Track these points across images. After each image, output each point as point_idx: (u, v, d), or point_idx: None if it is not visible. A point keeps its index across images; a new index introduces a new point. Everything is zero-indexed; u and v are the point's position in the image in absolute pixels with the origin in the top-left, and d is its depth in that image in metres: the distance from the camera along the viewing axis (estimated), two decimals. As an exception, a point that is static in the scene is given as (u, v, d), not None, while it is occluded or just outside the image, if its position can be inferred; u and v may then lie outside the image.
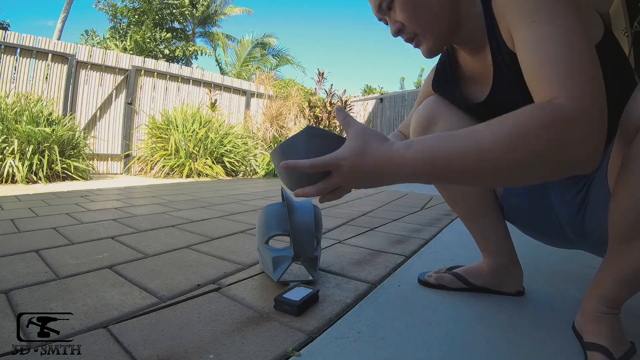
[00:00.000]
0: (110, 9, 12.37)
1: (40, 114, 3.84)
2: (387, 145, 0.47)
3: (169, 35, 12.18)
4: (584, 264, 1.01)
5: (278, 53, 13.18)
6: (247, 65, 13.05)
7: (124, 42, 11.60)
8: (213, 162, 4.73)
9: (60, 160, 3.66)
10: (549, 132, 0.39)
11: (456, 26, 0.59)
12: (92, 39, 12.33)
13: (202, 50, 13.71)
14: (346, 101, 6.33)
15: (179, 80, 5.98)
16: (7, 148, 3.36)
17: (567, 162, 0.40)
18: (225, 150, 4.95)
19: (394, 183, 0.48)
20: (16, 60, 4.40)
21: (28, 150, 3.45)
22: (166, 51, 11.91)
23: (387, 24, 0.63)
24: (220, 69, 13.54)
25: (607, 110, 0.40)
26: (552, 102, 0.40)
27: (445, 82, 0.73)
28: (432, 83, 0.77)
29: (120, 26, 12.76)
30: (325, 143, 0.50)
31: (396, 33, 0.60)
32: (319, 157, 0.48)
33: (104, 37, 12.59)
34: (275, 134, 5.86)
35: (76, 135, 4.15)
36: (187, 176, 4.48)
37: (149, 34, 11.41)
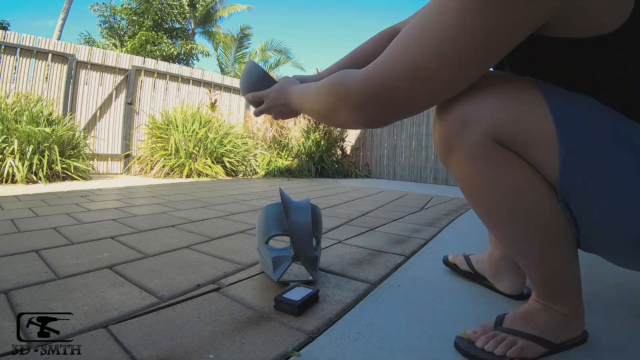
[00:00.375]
0: (108, 9, 12.38)
1: (40, 114, 3.84)
2: (291, 85, 0.72)
3: (165, 38, 12.19)
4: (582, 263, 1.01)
5: (278, 50, 13.21)
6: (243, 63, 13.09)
7: (125, 45, 11.60)
8: (213, 162, 4.72)
9: (60, 160, 3.66)
10: (332, 88, 0.52)
11: None
12: (91, 45, 12.38)
13: (202, 50, 13.71)
14: (346, 101, 6.32)
15: (179, 80, 5.98)
16: (7, 148, 3.36)
17: (335, 120, 0.54)
18: (225, 150, 4.95)
19: (290, 109, 0.74)
20: (16, 60, 4.40)
21: (28, 150, 3.44)
22: (165, 50, 11.91)
23: None
24: (222, 69, 13.54)
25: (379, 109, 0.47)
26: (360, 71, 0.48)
27: None
28: None
29: (118, 26, 12.76)
30: (265, 79, 0.80)
31: None
32: (259, 92, 0.79)
33: (101, 40, 12.64)
34: (275, 134, 5.86)
35: (76, 135, 4.14)
36: (187, 176, 4.48)
37: (149, 34, 11.41)
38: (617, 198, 0.43)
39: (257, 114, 0.82)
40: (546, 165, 0.45)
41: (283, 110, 0.75)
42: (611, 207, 0.44)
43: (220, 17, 14.78)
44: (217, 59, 13.77)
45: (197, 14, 13.89)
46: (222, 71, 13.36)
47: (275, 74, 9.06)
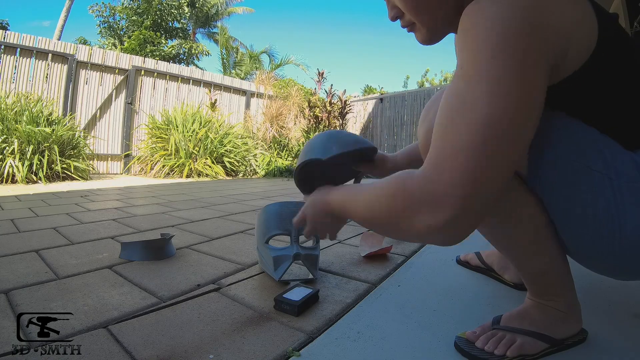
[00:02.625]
0: (107, 9, 12.37)
1: (40, 114, 3.84)
2: (329, 188, 0.62)
3: (163, 38, 12.20)
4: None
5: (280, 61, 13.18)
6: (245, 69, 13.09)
7: (124, 43, 11.60)
8: (213, 162, 4.73)
9: (60, 160, 3.66)
10: (395, 197, 0.43)
11: (455, 18, 0.55)
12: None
13: (202, 50, 13.71)
14: (346, 101, 6.33)
15: (179, 80, 5.98)
16: (7, 148, 3.36)
17: (408, 232, 0.43)
18: (225, 150, 4.95)
19: (331, 217, 0.62)
20: (16, 60, 4.41)
21: (28, 150, 3.45)
22: (164, 50, 11.91)
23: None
24: (225, 68, 13.51)
25: (476, 202, 0.38)
26: (420, 170, 0.41)
27: None
28: None
29: (118, 26, 12.76)
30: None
31: (394, 19, 0.58)
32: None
33: (100, 39, 12.65)
34: (275, 134, 5.87)
35: (76, 135, 4.15)
36: (187, 176, 4.48)
37: (147, 33, 11.41)
38: (570, 207, 0.47)
39: (307, 235, 0.71)
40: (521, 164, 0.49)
41: (324, 222, 0.65)
42: (564, 216, 0.49)
43: (220, 17, 14.80)
44: (221, 57, 13.71)
45: (198, 14, 13.89)
46: (225, 70, 13.32)
47: (276, 74, 9.06)
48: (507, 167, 0.39)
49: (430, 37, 0.56)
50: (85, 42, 12.60)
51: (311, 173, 0.76)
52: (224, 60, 12.93)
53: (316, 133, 5.70)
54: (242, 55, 13.42)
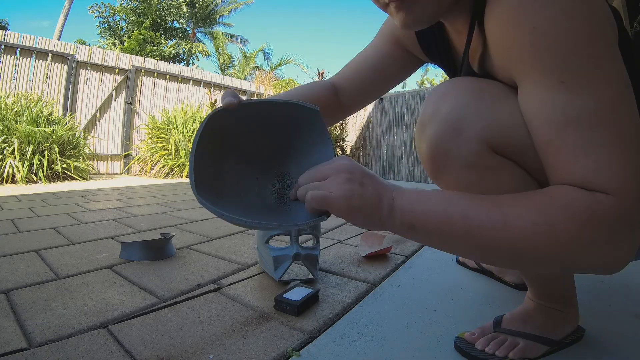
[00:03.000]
0: (107, 10, 12.37)
1: (40, 114, 3.84)
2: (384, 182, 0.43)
3: (163, 38, 12.20)
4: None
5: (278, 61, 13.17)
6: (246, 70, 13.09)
7: (124, 43, 11.60)
8: (213, 162, 4.72)
9: (60, 160, 3.66)
10: (583, 228, 0.33)
11: (448, 11, 0.45)
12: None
13: (201, 50, 13.71)
14: (346, 101, 6.33)
15: (179, 80, 5.98)
16: (7, 148, 3.36)
17: (589, 262, 0.35)
18: (225, 150, 4.94)
19: (378, 220, 0.40)
20: (16, 60, 4.40)
21: (28, 150, 3.45)
22: (164, 50, 11.90)
23: None
24: (222, 70, 13.55)
25: None
26: (592, 192, 0.33)
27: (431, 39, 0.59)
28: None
29: (117, 26, 12.76)
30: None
31: None
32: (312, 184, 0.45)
33: (100, 39, 12.64)
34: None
35: (76, 135, 4.15)
36: (187, 176, 4.48)
37: (146, 33, 11.41)
38: None
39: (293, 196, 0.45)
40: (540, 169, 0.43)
41: (365, 215, 0.40)
42: None
43: (221, 15, 14.80)
44: (218, 59, 13.76)
45: (197, 13, 13.89)
46: (223, 72, 13.35)
47: (275, 74, 9.05)
48: None
49: (428, 16, 0.44)
50: (84, 44, 12.63)
51: (221, 138, 0.48)
52: (221, 59, 12.94)
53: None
54: (231, 58, 13.42)
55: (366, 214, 0.39)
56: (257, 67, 12.80)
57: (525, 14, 0.35)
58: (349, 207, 0.39)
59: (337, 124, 6.14)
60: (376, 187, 0.40)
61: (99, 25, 12.72)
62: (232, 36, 15.14)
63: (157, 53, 11.33)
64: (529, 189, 0.40)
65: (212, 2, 14.18)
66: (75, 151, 4.05)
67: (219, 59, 13.69)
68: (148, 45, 11.32)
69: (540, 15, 0.34)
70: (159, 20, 12.71)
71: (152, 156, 4.77)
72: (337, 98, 0.70)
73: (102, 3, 12.40)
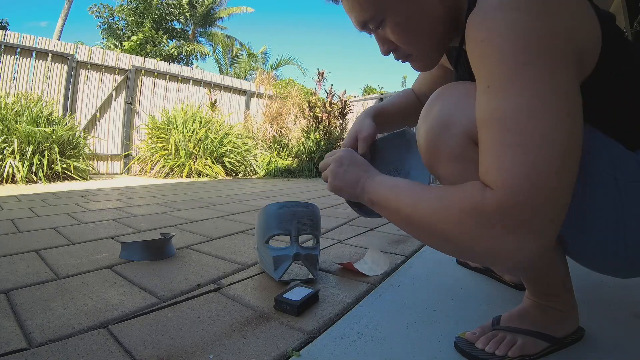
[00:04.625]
0: (106, 10, 12.36)
1: (40, 114, 3.84)
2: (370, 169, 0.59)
3: (165, 38, 12.20)
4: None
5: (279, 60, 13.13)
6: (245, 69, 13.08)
7: (124, 44, 11.60)
8: (213, 162, 4.73)
9: (60, 160, 3.66)
10: (466, 215, 0.38)
11: (450, 38, 0.55)
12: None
13: (201, 51, 13.71)
14: (346, 101, 6.33)
15: (179, 80, 5.98)
16: (7, 148, 3.36)
17: (479, 248, 0.38)
18: (225, 150, 4.95)
19: (356, 192, 0.57)
20: (16, 60, 4.41)
21: (28, 150, 3.45)
22: (164, 50, 11.91)
23: (370, 34, 0.57)
24: (220, 70, 13.55)
25: (554, 210, 0.36)
26: (485, 186, 0.37)
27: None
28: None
29: (117, 27, 12.75)
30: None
31: (387, 53, 0.56)
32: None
33: (100, 40, 12.64)
34: (275, 134, 5.87)
35: (76, 135, 4.15)
36: (187, 176, 4.48)
37: (148, 34, 11.41)
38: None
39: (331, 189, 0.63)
40: None
41: (350, 189, 0.59)
42: None
43: (221, 17, 14.80)
44: (216, 60, 13.77)
45: (197, 14, 13.89)
46: (221, 71, 13.34)
47: (275, 74, 9.05)
48: (574, 179, 0.37)
49: (430, 63, 0.57)
50: (83, 45, 12.61)
51: None
52: (218, 62, 12.93)
53: (315, 134, 5.69)
54: (238, 51, 13.38)
55: (346, 191, 0.59)
56: (255, 68, 12.78)
57: (479, 28, 0.40)
58: (332, 185, 0.61)
59: (337, 124, 6.14)
60: (357, 173, 0.58)
61: (99, 26, 12.73)
62: (228, 38, 15.13)
63: (158, 53, 11.33)
64: None
65: (212, 3, 14.18)
66: (75, 151, 4.05)
67: (217, 61, 13.67)
68: (148, 45, 11.32)
69: (487, 30, 0.39)
70: (159, 20, 12.71)
71: (152, 156, 4.77)
72: (419, 101, 0.85)
73: (102, 4, 12.40)
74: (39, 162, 3.47)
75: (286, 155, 5.68)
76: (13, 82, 4.38)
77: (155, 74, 5.67)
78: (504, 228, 0.36)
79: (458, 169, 0.48)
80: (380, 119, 0.79)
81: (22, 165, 3.35)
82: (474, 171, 0.45)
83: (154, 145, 4.85)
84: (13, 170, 3.31)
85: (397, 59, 0.57)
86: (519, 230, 0.35)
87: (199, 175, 4.56)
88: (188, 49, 13.10)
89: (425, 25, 0.51)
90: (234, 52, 13.34)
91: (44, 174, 3.45)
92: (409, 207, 0.45)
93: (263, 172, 5.27)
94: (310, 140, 5.60)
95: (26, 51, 4.46)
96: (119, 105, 5.31)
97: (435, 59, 0.57)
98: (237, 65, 13.22)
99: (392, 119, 0.83)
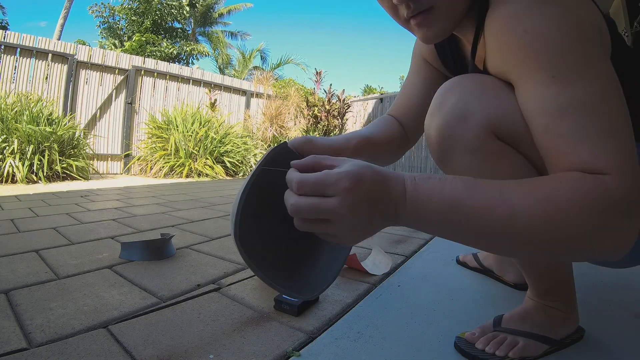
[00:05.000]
0: (107, 10, 12.36)
1: (40, 114, 3.84)
2: (394, 174, 0.38)
3: (164, 40, 12.20)
4: (583, 263, 1.01)
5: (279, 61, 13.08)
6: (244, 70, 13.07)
7: (124, 44, 11.61)
8: (213, 162, 4.72)
9: (60, 160, 3.66)
10: (591, 208, 0.33)
11: (462, 20, 0.49)
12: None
13: (201, 51, 13.71)
14: (344, 100, 6.33)
15: (179, 80, 5.98)
16: (7, 148, 3.36)
17: (602, 245, 0.35)
18: (225, 150, 4.95)
19: (385, 226, 0.39)
20: (16, 60, 4.40)
21: (28, 150, 3.44)
22: (164, 50, 11.90)
23: None
24: (220, 70, 13.54)
25: None
26: (595, 174, 0.34)
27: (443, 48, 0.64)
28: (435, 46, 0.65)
29: (117, 26, 12.75)
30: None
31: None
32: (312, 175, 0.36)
33: (99, 43, 12.63)
34: (275, 133, 5.87)
35: (76, 135, 4.15)
36: (187, 176, 4.48)
37: (148, 36, 11.41)
38: None
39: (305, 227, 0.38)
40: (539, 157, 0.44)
41: (370, 227, 0.38)
42: None
43: (220, 15, 14.80)
44: (216, 59, 13.73)
45: (197, 14, 13.89)
46: (221, 71, 13.32)
47: (275, 74, 9.04)
48: None
49: (447, 28, 0.48)
50: (84, 44, 12.63)
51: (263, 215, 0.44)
52: (219, 64, 12.89)
53: (315, 133, 5.69)
54: (230, 58, 13.36)
55: (369, 234, 0.38)
56: (255, 67, 12.77)
57: (517, 21, 0.39)
58: (354, 238, 0.38)
59: (337, 125, 6.14)
60: (381, 210, 0.37)
61: (99, 26, 12.72)
62: (232, 34, 15.14)
63: (158, 54, 11.33)
64: (527, 175, 0.42)
65: (212, 2, 14.18)
66: (75, 151, 4.05)
67: (217, 60, 13.66)
68: (148, 46, 11.32)
69: (530, 21, 0.38)
70: (159, 21, 12.70)
71: (152, 156, 4.77)
72: (404, 131, 0.70)
73: (102, 3, 12.40)
74: (39, 162, 3.47)
75: (286, 155, 5.68)
76: (13, 82, 4.37)
77: (155, 74, 5.66)
78: (630, 213, 0.34)
79: (474, 163, 0.46)
80: (363, 148, 0.58)
81: (22, 165, 3.34)
82: (494, 165, 0.45)
83: (154, 145, 4.84)
84: (13, 170, 3.31)
85: (412, 13, 0.45)
86: (637, 211, 0.35)
87: (199, 175, 4.56)
88: (187, 48, 13.09)
89: None
90: (227, 58, 13.33)
91: (44, 173, 3.44)
92: (500, 218, 0.35)
93: (263, 172, 5.27)
94: (310, 140, 5.60)
95: (26, 51, 4.46)
96: (119, 105, 5.31)
97: (451, 27, 0.48)
98: (233, 65, 13.20)
99: (379, 150, 0.63)
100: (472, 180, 0.38)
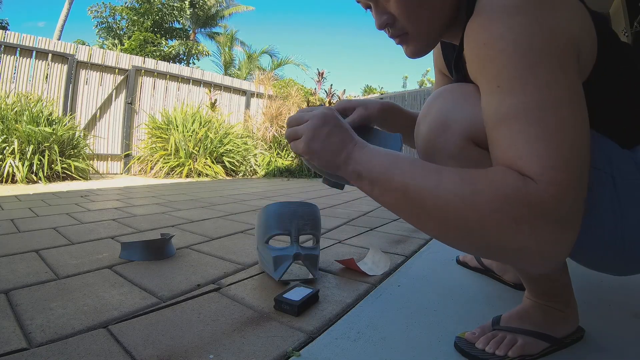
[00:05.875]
0: (107, 10, 12.37)
1: (40, 114, 3.84)
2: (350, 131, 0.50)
3: (163, 39, 12.20)
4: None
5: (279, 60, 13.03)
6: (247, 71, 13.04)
7: (123, 43, 11.61)
8: (213, 162, 4.73)
9: (60, 160, 3.66)
10: (504, 203, 0.35)
11: (447, 31, 0.55)
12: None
13: (202, 50, 13.70)
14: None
15: (179, 80, 5.98)
16: (7, 148, 3.36)
17: (511, 244, 0.36)
18: (225, 150, 4.95)
19: (339, 161, 0.47)
20: (16, 60, 4.41)
21: (28, 150, 3.45)
22: (164, 51, 11.90)
23: (366, 9, 0.55)
24: (226, 68, 13.47)
25: (581, 200, 0.36)
26: (524, 176, 0.35)
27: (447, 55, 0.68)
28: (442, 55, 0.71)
29: (118, 27, 12.75)
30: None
31: (383, 26, 0.53)
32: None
33: (98, 39, 12.63)
34: (275, 133, 5.87)
35: (76, 135, 4.15)
36: (187, 176, 4.48)
37: (147, 35, 11.42)
38: None
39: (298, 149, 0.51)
40: None
41: (328, 156, 0.48)
42: None
43: (221, 17, 14.81)
44: (223, 56, 13.61)
45: (199, 13, 13.88)
46: (226, 71, 13.22)
47: (275, 74, 9.04)
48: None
49: (424, 47, 0.54)
50: (84, 44, 12.63)
51: None
52: (226, 58, 12.81)
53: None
54: (234, 55, 13.32)
55: (324, 157, 0.48)
56: (258, 67, 12.74)
57: (480, 32, 0.41)
58: (307, 146, 0.49)
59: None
60: (343, 137, 0.48)
61: (97, 26, 12.71)
62: (232, 38, 15.12)
63: (158, 53, 11.33)
64: None
65: (213, 5, 14.18)
66: (75, 151, 4.05)
67: (224, 56, 13.51)
68: (148, 46, 11.32)
69: (489, 33, 0.40)
70: (160, 21, 12.71)
71: (152, 156, 4.77)
72: None
73: (103, 3, 12.40)
74: (39, 162, 3.47)
75: (286, 155, 5.69)
76: (13, 82, 4.38)
77: (155, 74, 5.67)
78: (546, 220, 0.34)
79: (456, 167, 0.48)
80: (391, 113, 0.69)
81: (22, 165, 3.35)
82: (473, 168, 0.46)
83: (154, 145, 4.85)
84: (13, 170, 3.31)
85: (391, 35, 0.54)
86: (559, 222, 0.35)
87: (199, 175, 4.56)
88: (188, 46, 13.07)
89: (428, 1, 0.49)
90: (231, 57, 13.27)
91: (44, 174, 3.45)
92: (421, 187, 0.39)
93: (263, 172, 5.27)
94: (310, 140, 5.60)
95: (26, 51, 4.46)
96: (119, 105, 5.31)
97: (428, 45, 0.55)
98: (239, 70, 13.14)
99: (403, 120, 0.74)
100: (418, 160, 0.43)
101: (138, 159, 5.00)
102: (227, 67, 12.84)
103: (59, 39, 8.52)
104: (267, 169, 5.32)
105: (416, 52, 0.55)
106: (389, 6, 0.50)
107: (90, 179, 4.05)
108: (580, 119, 0.37)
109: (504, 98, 0.38)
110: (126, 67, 5.32)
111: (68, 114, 4.58)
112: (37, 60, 4.54)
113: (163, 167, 4.55)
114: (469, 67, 0.44)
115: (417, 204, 0.40)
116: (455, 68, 0.61)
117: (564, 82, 0.37)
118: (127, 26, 12.66)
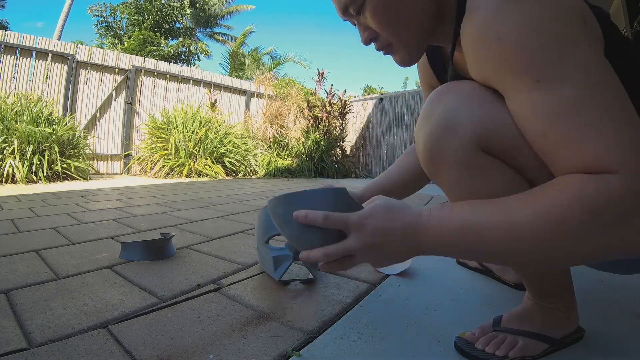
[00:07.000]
0: (107, 9, 12.37)
1: (40, 114, 3.84)
2: (411, 209, 0.44)
3: (163, 39, 12.20)
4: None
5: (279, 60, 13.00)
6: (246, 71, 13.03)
7: (123, 42, 11.61)
8: (213, 162, 4.73)
9: (60, 160, 3.66)
10: (593, 214, 0.32)
11: (433, 34, 0.53)
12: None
13: (202, 50, 13.69)
14: (345, 101, 6.33)
15: (179, 80, 5.98)
16: (7, 148, 3.36)
17: (622, 241, 0.34)
18: (225, 150, 4.95)
19: (412, 255, 0.44)
20: (16, 60, 4.40)
21: (28, 150, 3.45)
22: (164, 50, 11.90)
23: (355, 26, 0.55)
24: (230, 66, 13.43)
25: None
26: (598, 174, 0.33)
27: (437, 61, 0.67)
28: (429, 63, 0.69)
29: (118, 26, 12.75)
30: (342, 203, 0.44)
31: (368, 41, 0.53)
32: (338, 213, 0.42)
33: (98, 39, 12.62)
34: (275, 133, 5.87)
35: (76, 135, 4.15)
36: (187, 176, 4.48)
37: (147, 34, 11.42)
38: None
39: (319, 259, 0.43)
40: (531, 167, 0.44)
41: (390, 252, 0.43)
42: None
43: (222, 16, 14.81)
44: (229, 55, 13.54)
45: (199, 14, 13.88)
46: (231, 71, 13.18)
47: (275, 73, 9.04)
48: None
49: (410, 56, 0.53)
50: (82, 45, 12.62)
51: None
52: (232, 59, 12.74)
53: (315, 134, 5.69)
54: (239, 55, 13.30)
55: (392, 261, 0.44)
56: (260, 65, 12.71)
57: (489, 29, 0.38)
58: (374, 263, 0.46)
59: (337, 124, 6.14)
60: (398, 246, 0.43)
61: (97, 25, 12.70)
62: (232, 39, 15.12)
63: (158, 53, 11.32)
64: (519, 188, 0.41)
65: (213, 6, 14.18)
66: (75, 151, 4.05)
67: (230, 57, 13.39)
68: (148, 46, 11.32)
69: (502, 26, 0.37)
70: (160, 21, 12.70)
71: (152, 156, 4.77)
72: None
73: (104, 3, 12.40)
74: (39, 162, 3.47)
75: (286, 155, 5.69)
76: (13, 82, 4.37)
77: (155, 74, 5.66)
78: (636, 211, 0.33)
79: (464, 178, 0.45)
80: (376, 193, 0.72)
81: (22, 165, 3.35)
82: (484, 179, 0.44)
83: (154, 145, 4.85)
84: (13, 170, 3.31)
85: (378, 49, 0.54)
86: None
87: (198, 175, 4.56)
88: (187, 45, 13.05)
89: (403, 9, 0.48)
90: (238, 58, 13.24)
91: (44, 174, 3.45)
92: (505, 237, 0.37)
93: (263, 172, 5.28)
94: (310, 140, 5.61)
95: (26, 51, 4.46)
96: (119, 105, 5.31)
97: (415, 53, 0.53)
98: (242, 71, 13.10)
99: (392, 187, 0.78)
100: (477, 203, 0.40)
101: (138, 159, 5.00)
102: (237, 69, 12.74)
103: (59, 39, 8.52)
104: (267, 169, 5.32)
105: (405, 60, 0.54)
106: (368, 22, 0.51)
107: (90, 179, 4.05)
108: (627, 97, 0.35)
109: (550, 91, 0.35)
110: (126, 67, 5.31)
111: (68, 114, 4.58)
112: (37, 60, 4.54)
113: (163, 167, 4.55)
114: (478, 68, 0.42)
115: (508, 255, 0.39)
116: (451, 72, 0.59)
117: (602, 60, 0.36)
118: (127, 26, 12.66)
